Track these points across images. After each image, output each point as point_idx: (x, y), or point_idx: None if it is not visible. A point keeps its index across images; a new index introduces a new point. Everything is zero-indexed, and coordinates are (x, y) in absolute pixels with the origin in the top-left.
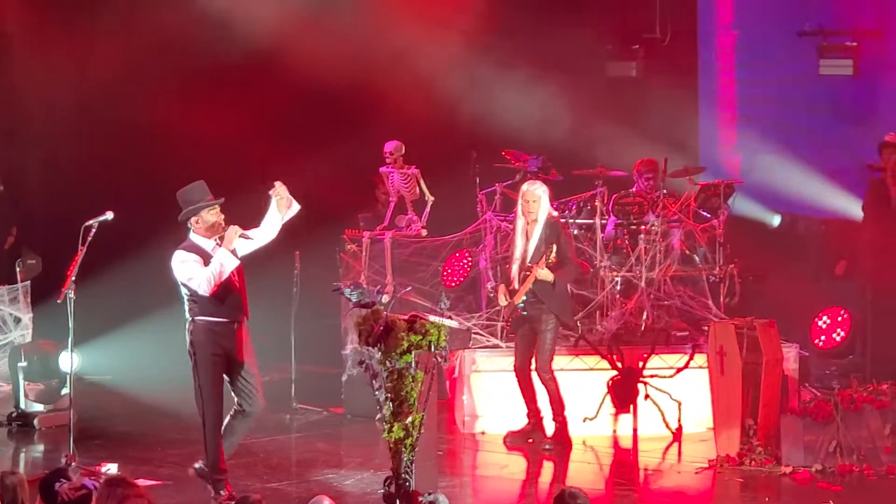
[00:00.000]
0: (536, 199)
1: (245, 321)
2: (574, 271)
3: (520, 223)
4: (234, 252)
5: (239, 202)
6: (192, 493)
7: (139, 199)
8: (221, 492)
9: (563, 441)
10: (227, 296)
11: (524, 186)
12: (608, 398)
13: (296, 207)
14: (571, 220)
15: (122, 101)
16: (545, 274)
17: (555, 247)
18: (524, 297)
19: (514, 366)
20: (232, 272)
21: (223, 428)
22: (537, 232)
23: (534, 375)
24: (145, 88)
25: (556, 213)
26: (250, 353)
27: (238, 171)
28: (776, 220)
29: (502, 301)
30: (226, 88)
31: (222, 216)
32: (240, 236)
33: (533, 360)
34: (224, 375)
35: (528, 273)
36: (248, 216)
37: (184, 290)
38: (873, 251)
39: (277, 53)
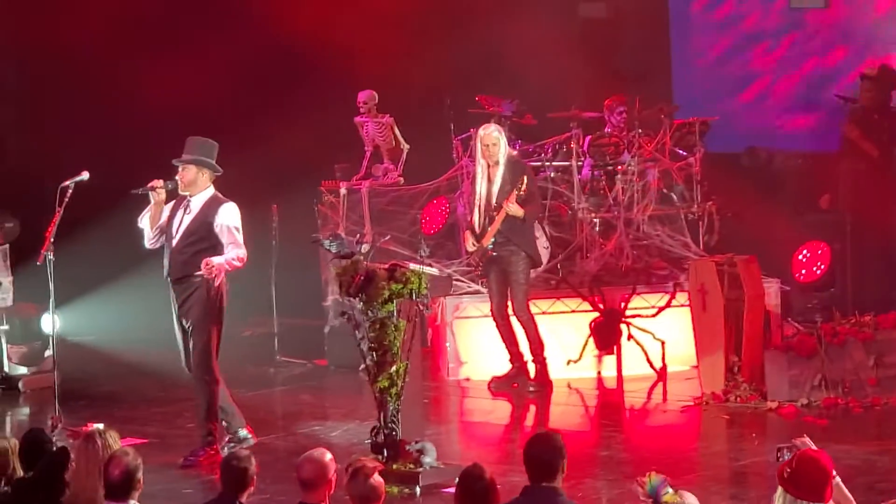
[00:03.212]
0: (495, 142)
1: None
2: (540, 208)
3: (480, 167)
4: None
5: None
6: (179, 451)
7: (115, 158)
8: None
9: (543, 382)
10: None
11: (480, 130)
12: (591, 340)
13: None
14: (548, 164)
15: (95, 60)
16: (515, 209)
17: (526, 178)
18: (493, 239)
19: (491, 309)
20: None
21: None
22: (499, 174)
23: (512, 317)
24: (118, 47)
25: (515, 153)
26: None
27: (210, 129)
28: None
29: (471, 246)
30: (195, 45)
31: None
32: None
33: (510, 303)
34: None
35: (495, 214)
36: (225, 173)
37: (203, 244)
38: (852, 181)
39: (244, 6)
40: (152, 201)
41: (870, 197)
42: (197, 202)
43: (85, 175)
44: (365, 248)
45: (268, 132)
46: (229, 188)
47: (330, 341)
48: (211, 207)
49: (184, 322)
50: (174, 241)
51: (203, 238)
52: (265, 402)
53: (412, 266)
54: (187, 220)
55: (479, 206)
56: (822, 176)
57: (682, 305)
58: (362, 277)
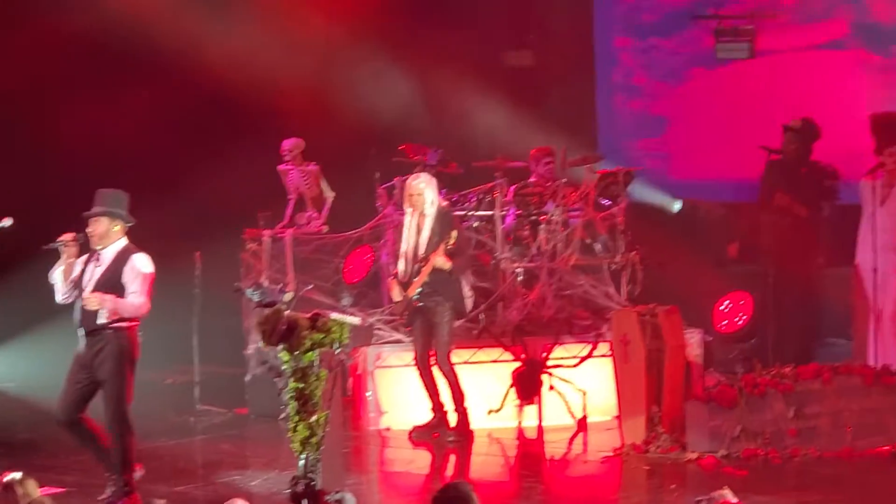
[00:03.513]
0: (420, 193)
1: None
2: (468, 261)
3: (408, 218)
4: None
5: (138, 206)
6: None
7: (37, 204)
8: None
9: (464, 432)
10: None
11: (408, 181)
12: (513, 390)
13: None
14: (472, 213)
15: (18, 102)
16: (442, 262)
17: (455, 233)
18: (419, 290)
19: (414, 359)
20: None
21: None
22: (428, 224)
23: (435, 367)
24: (43, 90)
25: (445, 203)
26: None
27: (133, 177)
28: (677, 206)
29: (396, 296)
30: (121, 91)
31: None
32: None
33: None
34: None
35: (422, 265)
36: (147, 221)
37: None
38: (775, 234)
39: (171, 55)
40: (63, 256)
41: (793, 250)
42: (109, 254)
43: (7, 221)
44: (288, 296)
45: (191, 179)
46: (152, 235)
47: (251, 390)
48: (122, 258)
49: (96, 374)
50: (86, 294)
51: (113, 289)
52: (185, 452)
53: (333, 315)
54: (98, 272)
55: (406, 255)
56: (745, 227)
57: (604, 356)
58: (284, 326)
